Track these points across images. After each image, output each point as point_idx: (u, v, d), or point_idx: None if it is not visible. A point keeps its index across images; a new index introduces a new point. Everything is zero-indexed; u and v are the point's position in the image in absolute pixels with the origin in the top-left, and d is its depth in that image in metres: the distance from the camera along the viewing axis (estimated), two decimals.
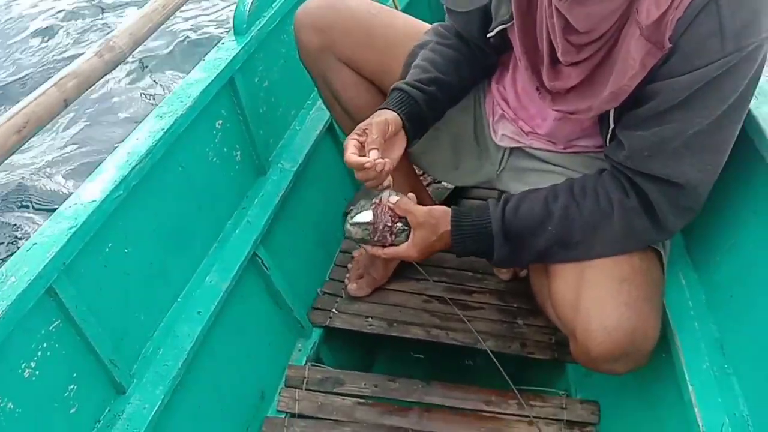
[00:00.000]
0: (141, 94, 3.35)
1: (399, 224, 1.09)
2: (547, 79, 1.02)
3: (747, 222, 1.08)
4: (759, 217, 1.05)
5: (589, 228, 1.02)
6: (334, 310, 1.51)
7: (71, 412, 0.94)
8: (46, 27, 4.05)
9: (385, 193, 1.10)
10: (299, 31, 1.28)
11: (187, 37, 3.81)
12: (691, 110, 0.90)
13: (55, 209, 0.96)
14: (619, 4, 0.88)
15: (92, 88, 1.11)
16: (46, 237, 0.90)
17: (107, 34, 1.21)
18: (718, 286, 1.11)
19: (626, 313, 0.98)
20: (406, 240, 1.10)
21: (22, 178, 2.78)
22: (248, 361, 1.32)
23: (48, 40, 3.93)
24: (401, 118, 1.11)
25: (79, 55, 1.10)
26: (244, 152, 1.40)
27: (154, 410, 1.02)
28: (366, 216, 1.09)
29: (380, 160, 1.03)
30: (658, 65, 0.90)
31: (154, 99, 3.28)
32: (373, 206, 1.09)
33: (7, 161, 0.93)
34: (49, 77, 1.02)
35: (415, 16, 1.36)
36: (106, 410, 1.01)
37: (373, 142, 1.05)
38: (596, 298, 1.00)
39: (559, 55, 0.97)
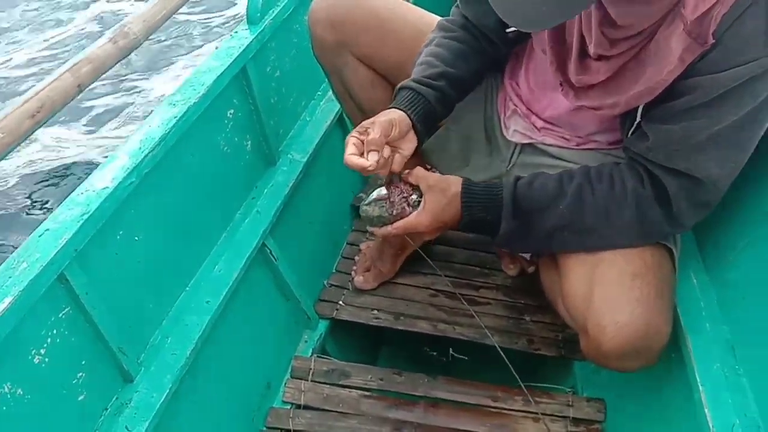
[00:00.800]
0: None
1: (414, 195, 1.07)
2: (574, 73, 1.01)
3: (760, 222, 1.07)
4: None
5: (601, 212, 1.00)
6: (340, 302, 1.51)
7: (79, 399, 0.94)
8: None
9: (395, 176, 1.08)
10: (314, 25, 1.26)
11: None
12: (725, 107, 0.89)
13: None
14: (667, 3, 0.87)
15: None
16: (58, 223, 0.90)
17: None
18: (730, 286, 1.11)
19: (638, 308, 0.97)
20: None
21: None
22: (255, 351, 1.32)
23: None
24: (411, 119, 1.09)
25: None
26: (254, 142, 1.40)
27: (162, 399, 1.02)
28: (380, 192, 1.07)
29: (374, 163, 1.00)
30: (696, 60, 0.88)
31: None
32: (385, 184, 1.08)
33: None
34: None
35: (430, 10, 1.35)
36: (114, 398, 1.01)
37: (373, 143, 1.01)
38: (608, 293, 1.00)
39: (590, 47, 0.95)
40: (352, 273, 1.55)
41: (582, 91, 1.03)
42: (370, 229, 1.11)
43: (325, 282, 1.55)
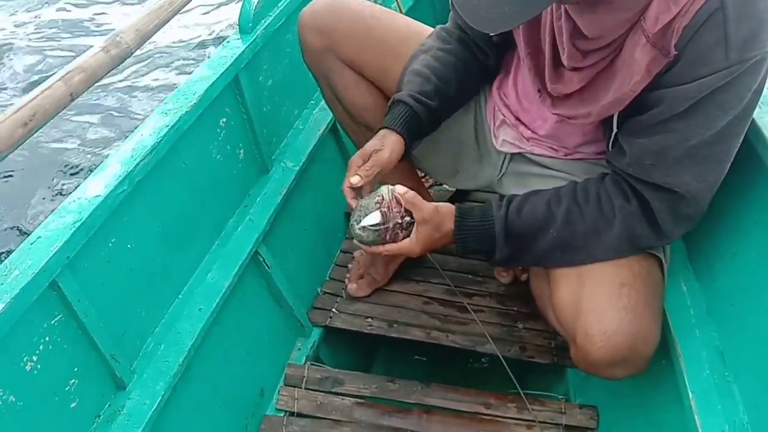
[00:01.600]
0: None
1: (408, 217, 1.08)
2: (549, 81, 1.03)
3: (749, 230, 1.08)
4: (761, 225, 1.05)
5: (591, 233, 1.02)
6: (334, 309, 1.51)
7: (72, 406, 0.94)
8: None
9: (384, 189, 1.08)
10: (303, 31, 1.29)
11: None
12: (694, 120, 0.90)
13: None
14: (630, 15, 0.88)
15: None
16: (50, 231, 0.90)
17: None
18: (720, 293, 1.11)
19: (626, 317, 0.98)
20: (410, 234, 1.09)
21: None
22: (248, 358, 1.32)
23: None
24: (404, 138, 1.13)
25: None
26: (247, 150, 1.40)
27: (154, 406, 1.02)
28: (375, 218, 1.07)
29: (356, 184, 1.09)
30: (662, 72, 0.90)
31: None
32: (378, 205, 1.07)
33: None
34: None
35: (419, 19, 1.37)
36: (107, 405, 1.01)
37: (363, 170, 1.09)
38: (597, 302, 1.01)
39: (563, 59, 0.97)
40: (346, 280, 1.56)
41: (558, 100, 1.04)
42: (358, 244, 1.12)
43: (319, 289, 1.56)
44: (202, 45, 3.70)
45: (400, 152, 1.14)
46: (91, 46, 1.10)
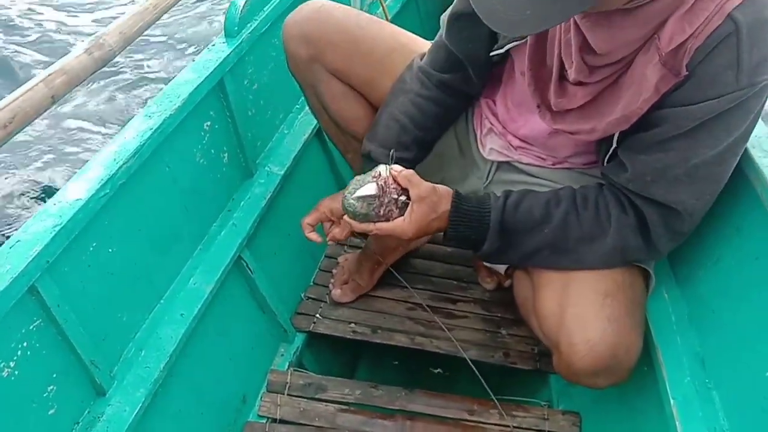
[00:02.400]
0: None
1: (403, 197, 1.04)
2: (553, 96, 1.01)
3: (730, 239, 1.09)
4: (741, 234, 1.06)
5: (585, 238, 1.02)
6: (317, 315, 1.51)
7: (50, 413, 0.93)
8: None
9: (382, 167, 1.05)
10: (288, 41, 1.28)
11: None
12: (697, 140, 0.91)
13: None
14: (645, 32, 0.88)
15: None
16: (30, 235, 0.89)
17: None
18: (701, 300, 1.12)
19: (609, 327, 0.99)
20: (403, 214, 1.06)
21: None
22: (230, 364, 1.31)
23: None
24: None
25: None
26: (231, 154, 1.39)
27: (135, 413, 1.00)
28: (370, 189, 1.03)
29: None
30: (670, 91, 0.90)
31: None
32: (374, 179, 1.04)
33: None
34: None
35: (405, 26, 1.36)
36: (86, 412, 0.99)
37: (336, 236, 1.20)
38: (580, 312, 1.01)
39: (571, 72, 0.96)
40: (330, 286, 1.55)
41: (559, 115, 1.03)
42: (348, 219, 1.08)
43: (303, 295, 1.55)
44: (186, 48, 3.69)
45: None
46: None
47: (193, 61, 1.28)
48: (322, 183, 1.75)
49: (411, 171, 1.06)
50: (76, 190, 0.96)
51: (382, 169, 1.05)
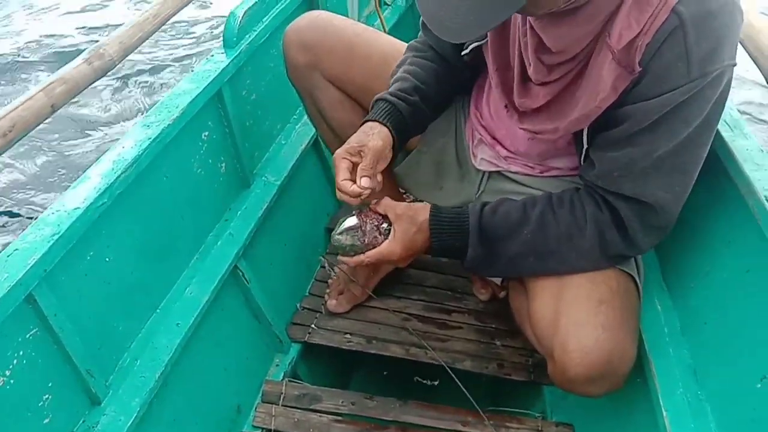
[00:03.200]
0: None
1: (385, 224, 1.11)
2: (516, 96, 1.05)
3: (721, 251, 1.10)
4: (732, 246, 1.08)
5: (563, 237, 1.04)
6: (313, 325, 1.51)
7: (45, 422, 0.93)
8: None
9: (363, 205, 1.12)
10: (287, 48, 1.31)
11: None
12: (658, 133, 0.94)
13: None
14: (591, 28, 0.91)
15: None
16: (27, 243, 0.89)
17: None
18: (693, 312, 1.13)
19: (603, 334, 0.99)
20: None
21: None
22: (225, 374, 1.31)
23: None
24: (392, 134, 1.12)
25: None
26: (229, 164, 1.40)
27: (129, 422, 1.00)
28: (351, 221, 1.11)
29: (368, 190, 1.06)
30: (628, 88, 0.93)
31: None
32: (354, 212, 1.11)
33: None
34: None
35: (402, 38, 1.38)
36: (81, 421, 0.99)
37: (366, 169, 1.06)
38: (574, 319, 1.02)
39: (530, 73, 1.00)
40: (325, 296, 1.55)
41: (525, 115, 1.07)
42: (342, 258, 1.14)
43: (298, 305, 1.55)
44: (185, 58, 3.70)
45: (390, 144, 1.12)
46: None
47: (192, 70, 1.29)
48: (319, 193, 1.75)
49: (386, 197, 1.11)
50: (74, 199, 0.97)
51: (359, 205, 1.11)
